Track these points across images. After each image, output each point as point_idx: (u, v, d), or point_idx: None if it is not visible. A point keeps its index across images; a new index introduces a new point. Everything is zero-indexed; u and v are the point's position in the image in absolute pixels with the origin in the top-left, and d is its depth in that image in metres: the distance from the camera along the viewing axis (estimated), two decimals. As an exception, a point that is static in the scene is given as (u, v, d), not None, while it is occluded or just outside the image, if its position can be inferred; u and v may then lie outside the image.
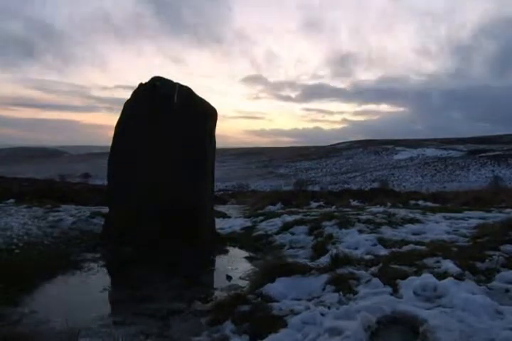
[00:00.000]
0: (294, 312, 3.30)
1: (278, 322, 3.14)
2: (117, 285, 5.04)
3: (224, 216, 10.59)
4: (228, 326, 3.26)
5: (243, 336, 3.07)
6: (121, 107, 6.93)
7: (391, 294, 3.48)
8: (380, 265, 4.34)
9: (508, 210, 8.80)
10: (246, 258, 6.18)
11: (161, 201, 6.39)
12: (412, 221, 7.31)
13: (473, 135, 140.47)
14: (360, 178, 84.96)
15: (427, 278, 3.61)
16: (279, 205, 12.99)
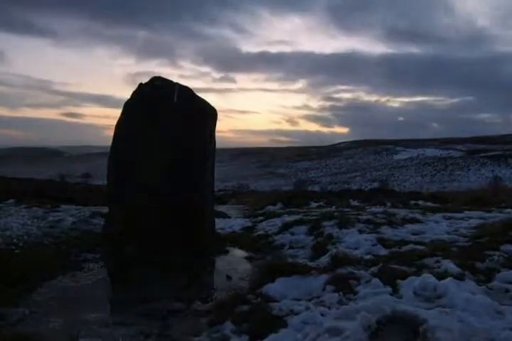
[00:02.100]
0: (294, 312, 3.30)
1: (278, 322, 3.14)
2: (117, 285, 5.05)
3: (224, 216, 10.57)
4: (228, 326, 3.26)
5: (243, 336, 3.07)
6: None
7: (391, 294, 3.48)
8: (380, 265, 4.34)
9: (508, 210, 8.80)
10: (246, 258, 6.19)
11: (161, 201, 6.39)
12: (412, 221, 7.32)
13: (473, 135, 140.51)
14: (360, 178, 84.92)
15: (427, 278, 3.61)
16: (279, 205, 12.97)
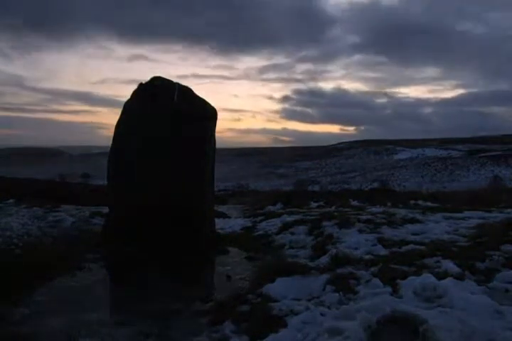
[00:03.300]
0: (294, 312, 3.30)
1: (278, 322, 3.14)
2: (117, 285, 5.05)
3: (224, 216, 10.58)
4: (228, 326, 3.26)
5: (243, 336, 3.07)
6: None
7: (391, 294, 3.48)
8: (380, 265, 4.35)
9: (508, 210, 8.80)
10: (246, 258, 6.18)
11: (161, 201, 6.39)
12: (412, 221, 7.31)
13: (473, 135, 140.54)
14: (360, 178, 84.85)
15: (427, 278, 3.61)
16: (279, 205, 12.97)
